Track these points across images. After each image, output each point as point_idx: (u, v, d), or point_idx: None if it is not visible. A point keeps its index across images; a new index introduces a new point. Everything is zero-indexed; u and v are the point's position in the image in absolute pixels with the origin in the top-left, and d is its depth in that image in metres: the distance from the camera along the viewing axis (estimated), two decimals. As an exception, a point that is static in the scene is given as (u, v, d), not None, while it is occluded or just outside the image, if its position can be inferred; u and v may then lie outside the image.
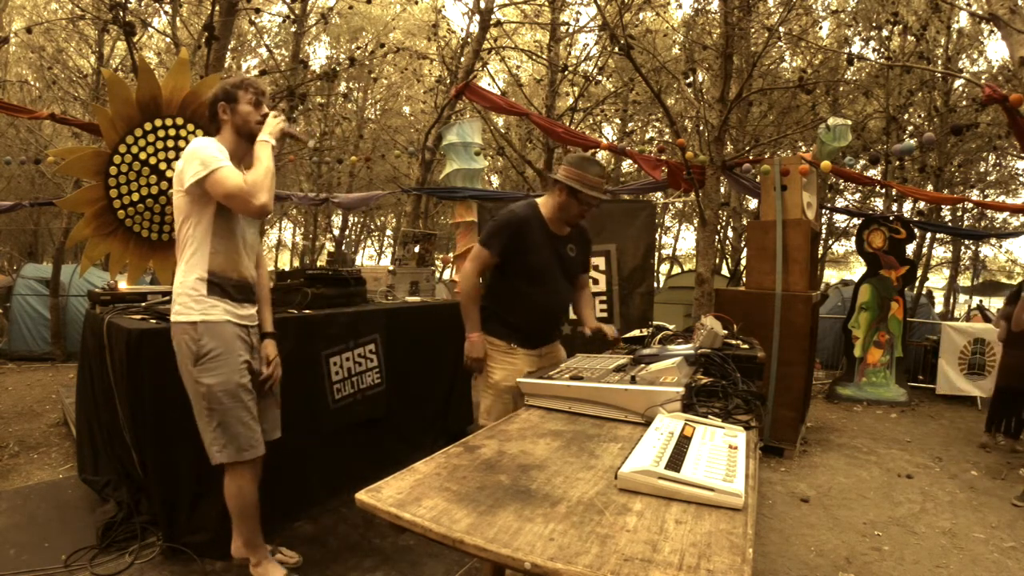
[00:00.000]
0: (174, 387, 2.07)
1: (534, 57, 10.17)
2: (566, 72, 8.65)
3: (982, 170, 12.71)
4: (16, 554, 2.29)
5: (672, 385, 1.57)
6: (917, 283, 10.57)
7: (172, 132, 3.51)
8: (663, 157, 5.61)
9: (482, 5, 8.07)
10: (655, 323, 4.34)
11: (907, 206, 11.80)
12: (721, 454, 1.20)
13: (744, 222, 11.92)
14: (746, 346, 2.32)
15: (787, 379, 4.33)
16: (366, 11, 13.02)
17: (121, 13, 5.11)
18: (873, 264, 6.61)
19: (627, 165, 13.71)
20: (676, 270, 18.80)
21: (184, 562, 2.25)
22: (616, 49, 5.93)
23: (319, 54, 14.67)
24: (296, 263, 20.73)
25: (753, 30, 6.77)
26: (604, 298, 5.20)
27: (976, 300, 16.25)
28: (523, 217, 2.34)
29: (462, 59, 8.56)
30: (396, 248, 9.78)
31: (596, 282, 5.18)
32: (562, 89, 9.51)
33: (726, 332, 2.45)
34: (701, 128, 7.60)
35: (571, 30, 9.38)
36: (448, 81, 9.05)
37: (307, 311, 2.90)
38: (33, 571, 2.18)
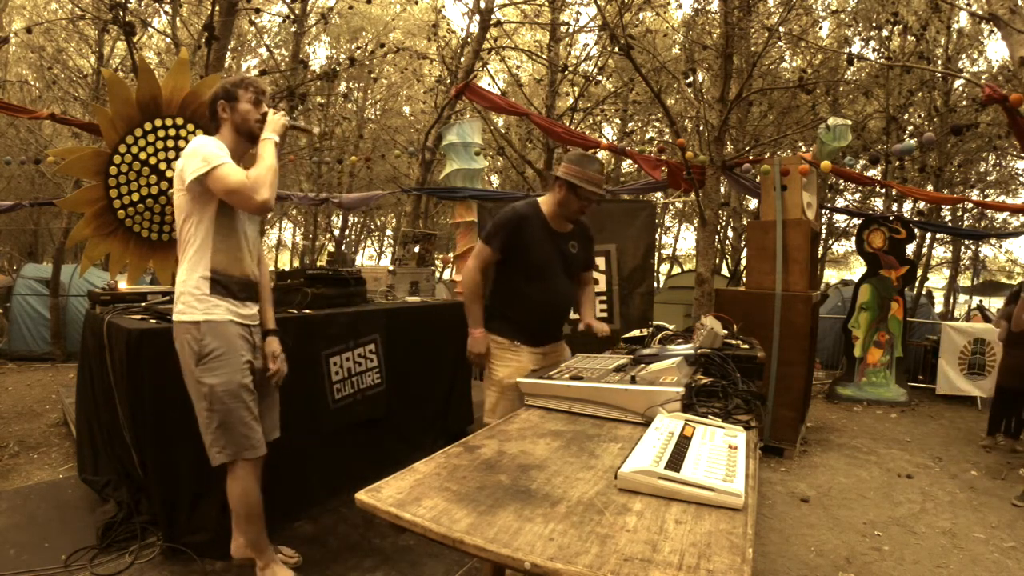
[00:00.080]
0: (174, 387, 2.07)
1: (534, 57, 10.16)
2: (566, 72, 8.65)
3: (982, 170, 12.71)
4: (16, 554, 2.29)
5: (672, 385, 1.57)
6: (917, 283, 10.58)
7: (172, 132, 3.51)
8: (663, 157, 5.60)
9: (482, 5, 8.07)
10: (655, 323, 4.34)
11: (907, 206, 11.80)
12: (721, 454, 1.20)
13: (744, 222, 11.92)
14: (746, 346, 2.32)
15: (787, 379, 4.33)
16: (366, 11, 13.01)
17: (121, 13, 5.11)
18: (873, 264, 6.61)
19: (627, 165, 13.71)
20: (676, 270, 18.81)
21: (184, 562, 2.25)
22: (616, 49, 5.93)
23: (319, 54, 14.69)
24: (296, 263, 20.73)
25: (753, 30, 6.77)
26: (604, 298, 5.20)
27: (976, 300, 16.25)
28: (524, 214, 2.38)
29: (462, 59, 8.56)
30: (396, 248, 9.79)
31: (596, 282, 5.18)
32: (562, 89, 9.51)
33: (726, 332, 2.46)
34: (701, 128, 7.60)
35: (571, 30, 9.38)
36: (448, 81, 9.05)
37: (307, 311, 2.90)
38: (33, 571, 2.17)
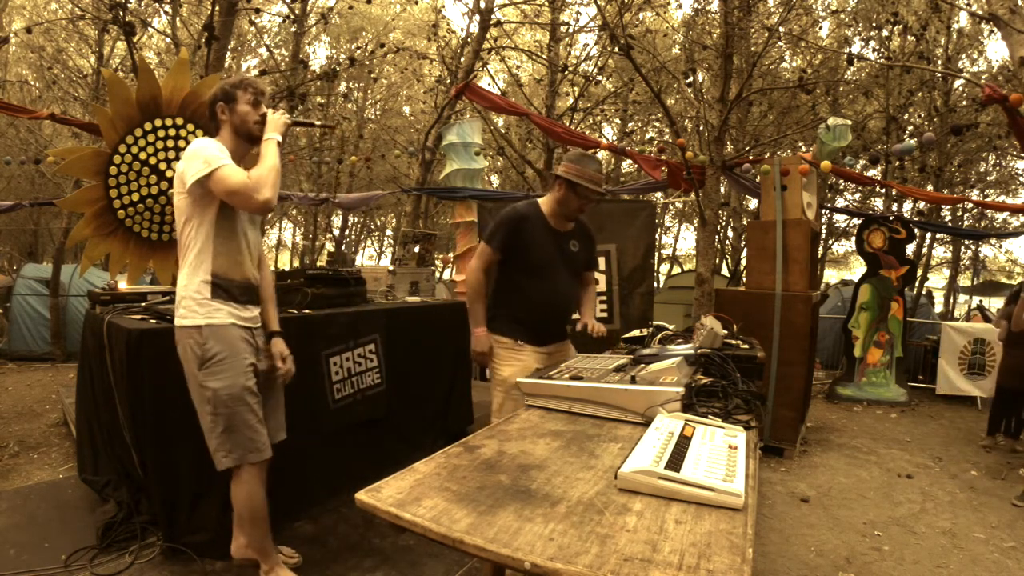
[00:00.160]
0: (174, 387, 2.07)
1: (534, 57, 10.17)
2: (566, 72, 8.65)
3: (982, 170, 12.71)
4: (16, 554, 2.29)
5: (672, 385, 1.57)
6: (917, 283, 10.58)
7: (172, 132, 3.51)
8: (663, 157, 5.61)
9: (482, 5, 8.08)
10: (655, 323, 4.34)
11: (907, 206, 11.80)
12: (721, 454, 1.20)
13: (744, 222, 11.92)
14: (746, 346, 2.32)
15: (787, 379, 4.33)
16: (366, 11, 13.01)
17: (121, 13, 5.11)
18: (873, 264, 6.61)
19: (627, 165, 13.72)
20: (676, 270, 18.81)
21: (184, 562, 2.25)
22: (616, 49, 5.93)
23: (319, 54, 14.69)
24: (296, 263, 20.74)
25: (753, 30, 6.77)
26: (604, 298, 5.20)
27: (976, 300, 16.25)
28: (523, 213, 2.43)
29: (462, 59, 8.56)
30: (396, 248, 9.79)
31: (596, 282, 5.18)
32: (562, 89, 9.51)
33: (726, 332, 2.46)
34: (701, 128, 7.60)
35: (571, 30, 9.38)
36: (448, 81, 9.05)
37: (307, 311, 2.90)
38: (33, 571, 2.17)
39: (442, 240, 15.58)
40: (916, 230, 7.56)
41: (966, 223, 13.14)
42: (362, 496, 1.10)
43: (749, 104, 8.72)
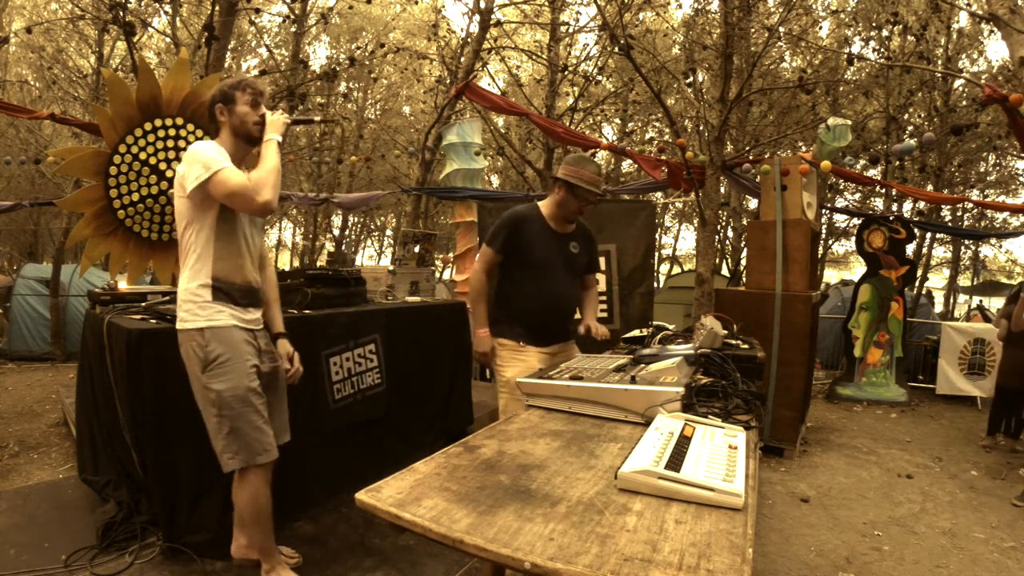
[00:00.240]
0: (174, 387, 2.07)
1: (534, 57, 10.16)
2: (566, 72, 8.66)
3: (982, 170, 12.71)
4: (16, 554, 2.29)
5: (672, 385, 1.57)
6: (917, 283, 10.58)
7: (172, 132, 3.51)
8: (663, 157, 5.61)
9: (482, 5, 8.07)
10: (655, 323, 4.34)
11: (907, 206, 11.80)
12: (721, 454, 1.20)
13: (744, 222, 11.92)
14: (746, 346, 2.32)
15: (787, 379, 4.34)
16: (366, 11, 13.02)
17: (121, 13, 5.11)
18: (873, 264, 6.61)
19: (627, 165, 13.71)
20: (676, 270, 18.81)
21: (184, 562, 2.25)
22: (616, 49, 5.93)
23: (319, 54, 14.69)
24: (296, 263, 20.74)
25: (753, 30, 6.77)
26: (604, 298, 5.20)
27: (976, 300, 16.25)
28: (523, 214, 2.47)
29: (462, 59, 8.56)
30: (396, 248, 9.79)
31: (597, 283, 5.18)
32: (562, 89, 9.51)
33: (726, 332, 2.46)
34: (701, 128, 7.60)
35: (571, 30, 9.38)
36: (448, 81, 9.05)
37: (307, 311, 2.90)
38: (33, 571, 2.17)
39: (442, 240, 15.58)
40: (916, 230, 7.57)
41: (966, 223, 13.15)
42: (362, 496, 1.10)
43: (749, 104, 8.72)
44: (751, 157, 6.03)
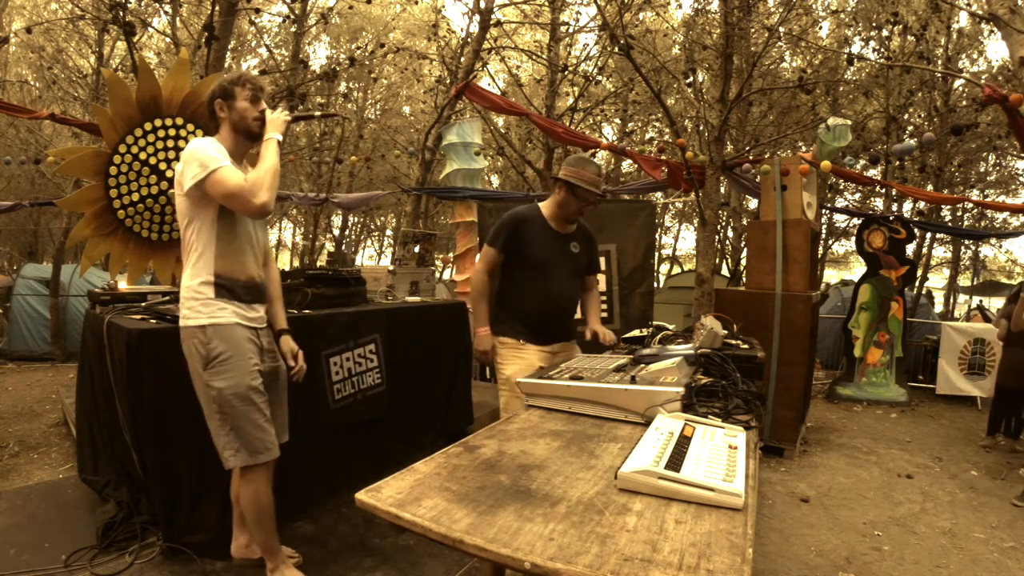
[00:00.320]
0: (174, 387, 2.06)
1: (534, 57, 10.17)
2: (566, 72, 8.65)
3: (982, 170, 12.71)
4: (16, 554, 2.29)
5: (672, 385, 1.57)
6: (917, 283, 10.58)
7: (172, 132, 3.51)
8: (663, 157, 5.61)
9: (482, 5, 8.08)
10: (655, 323, 4.34)
11: (907, 206, 11.80)
12: (721, 454, 1.20)
13: (744, 222, 11.92)
14: (746, 346, 2.32)
15: (787, 379, 4.34)
16: (366, 11, 13.02)
17: (121, 13, 5.11)
18: (873, 264, 6.61)
19: (627, 165, 13.71)
20: (676, 270, 18.81)
21: (184, 562, 2.25)
22: (616, 49, 5.93)
23: (319, 54, 14.69)
24: (296, 263, 20.74)
25: (753, 30, 6.77)
26: (604, 298, 5.20)
27: (976, 300, 16.25)
28: (524, 214, 2.49)
29: (462, 59, 8.56)
30: (396, 248, 9.79)
31: (597, 283, 5.18)
32: (562, 89, 9.51)
33: (726, 332, 2.46)
34: (701, 128, 7.60)
35: (571, 30, 9.38)
36: (448, 81, 9.05)
37: (307, 311, 2.90)
38: (33, 571, 2.17)
39: (442, 240, 15.59)
40: (916, 230, 7.57)
41: (966, 223, 13.15)
42: (362, 496, 1.10)
43: (749, 104, 8.72)
44: (751, 157, 6.03)
